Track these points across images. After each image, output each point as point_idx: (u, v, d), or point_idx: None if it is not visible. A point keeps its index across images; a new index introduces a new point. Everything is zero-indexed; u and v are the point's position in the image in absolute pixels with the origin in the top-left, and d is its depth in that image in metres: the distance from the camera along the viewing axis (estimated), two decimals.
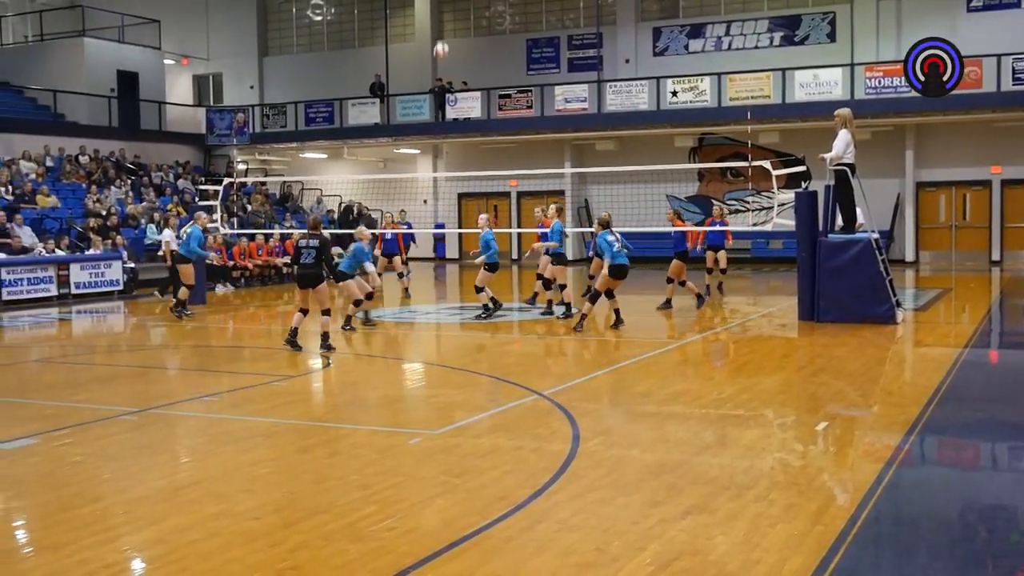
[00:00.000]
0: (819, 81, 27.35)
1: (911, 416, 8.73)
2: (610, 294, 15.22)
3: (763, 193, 29.42)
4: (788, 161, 23.21)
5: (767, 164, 17.49)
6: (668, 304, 17.63)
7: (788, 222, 16.82)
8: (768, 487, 6.65)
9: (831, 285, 15.06)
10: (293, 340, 13.33)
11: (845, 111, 15.51)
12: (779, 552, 5.43)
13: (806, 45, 30.07)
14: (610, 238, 14.84)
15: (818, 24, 30.36)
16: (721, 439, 8.11)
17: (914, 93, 24.58)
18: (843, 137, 15.18)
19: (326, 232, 14.24)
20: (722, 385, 10.58)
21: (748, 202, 30.81)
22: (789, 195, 18.69)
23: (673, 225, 17.94)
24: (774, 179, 16.96)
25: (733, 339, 14.43)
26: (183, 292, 17.67)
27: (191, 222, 19.10)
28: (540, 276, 17.91)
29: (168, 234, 21.26)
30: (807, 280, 15.33)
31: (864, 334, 13.88)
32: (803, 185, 19.85)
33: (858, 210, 15.71)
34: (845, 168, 15.25)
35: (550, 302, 17.37)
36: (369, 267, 15.65)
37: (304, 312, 13.47)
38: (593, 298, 15.02)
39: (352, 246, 15.46)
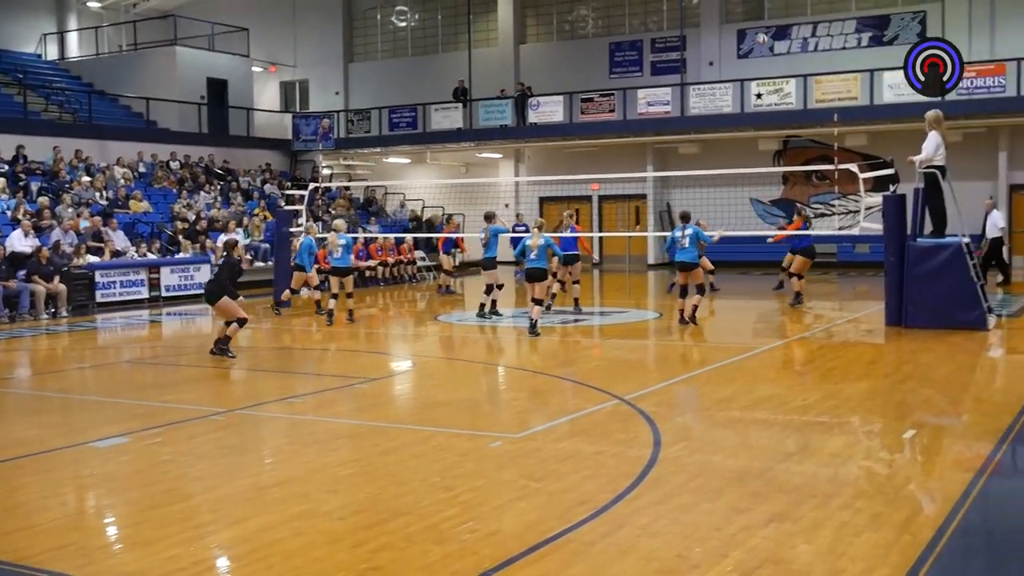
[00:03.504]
0: None
1: (1003, 425, 8.50)
2: (684, 291, 15.75)
3: (849, 196, 28.95)
4: (875, 164, 22.80)
5: (854, 167, 17.26)
6: (798, 298, 18.50)
7: (875, 226, 16.59)
8: (853, 495, 6.54)
9: (920, 290, 14.75)
10: (224, 349, 13.48)
11: (935, 112, 15.20)
12: (864, 562, 5.33)
13: (895, 45, 29.38)
14: (678, 234, 15.77)
15: (908, 24, 29.72)
16: (805, 446, 7.99)
17: (1008, 94, 24.03)
18: (933, 139, 14.86)
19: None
20: (807, 391, 10.42)
21: (833, 206, 30.32)
22: (876, 198, 18.49)
23: (796, 228, 19.31)
24: (861, 182, 16.72)
25: (818, 344, 14.21)
26: (286, 294, 19.38)
27: (303, 233, 19.70)
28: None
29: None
30: (895, 285, 15.05)
31: (954, 340, 13.55)
32: (891, 188, 19.50)
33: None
34: (935, 171, 14.94)
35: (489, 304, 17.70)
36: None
37: (228, 323, 13.67)
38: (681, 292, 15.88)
39: None
